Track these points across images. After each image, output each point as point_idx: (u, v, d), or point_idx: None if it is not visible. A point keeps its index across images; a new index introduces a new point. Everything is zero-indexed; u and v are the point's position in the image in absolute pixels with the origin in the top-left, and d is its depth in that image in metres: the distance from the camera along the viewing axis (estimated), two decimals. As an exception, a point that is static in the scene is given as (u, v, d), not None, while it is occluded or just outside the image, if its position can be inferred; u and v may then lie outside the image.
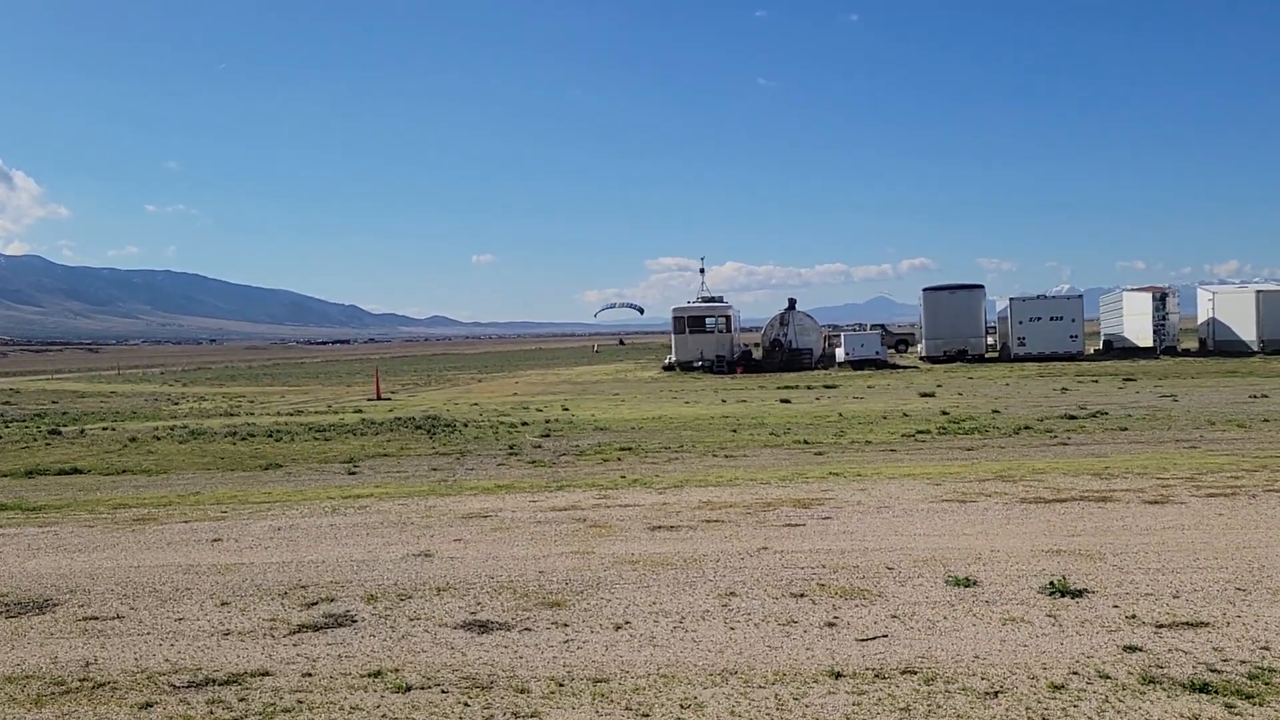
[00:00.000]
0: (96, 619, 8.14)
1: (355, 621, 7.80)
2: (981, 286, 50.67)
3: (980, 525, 10.15)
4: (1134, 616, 6.89)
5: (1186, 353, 48.47)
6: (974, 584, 7.96)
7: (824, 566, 8.75)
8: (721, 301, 53.92)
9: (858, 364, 46.90)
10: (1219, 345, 47.48)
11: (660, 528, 10.71)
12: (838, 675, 6.06)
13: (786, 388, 35.71)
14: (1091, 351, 50.04)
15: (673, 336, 51.94)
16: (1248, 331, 46.07)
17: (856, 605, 7.58)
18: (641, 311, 73.67)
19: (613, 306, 71.02)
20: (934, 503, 11.48)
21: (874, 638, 6.85)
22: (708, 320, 51.55)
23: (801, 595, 7.91)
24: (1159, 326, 48.30)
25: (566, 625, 7.43)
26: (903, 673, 6.07)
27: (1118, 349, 51.13)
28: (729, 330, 51.63)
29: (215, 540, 11.08)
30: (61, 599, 8.81)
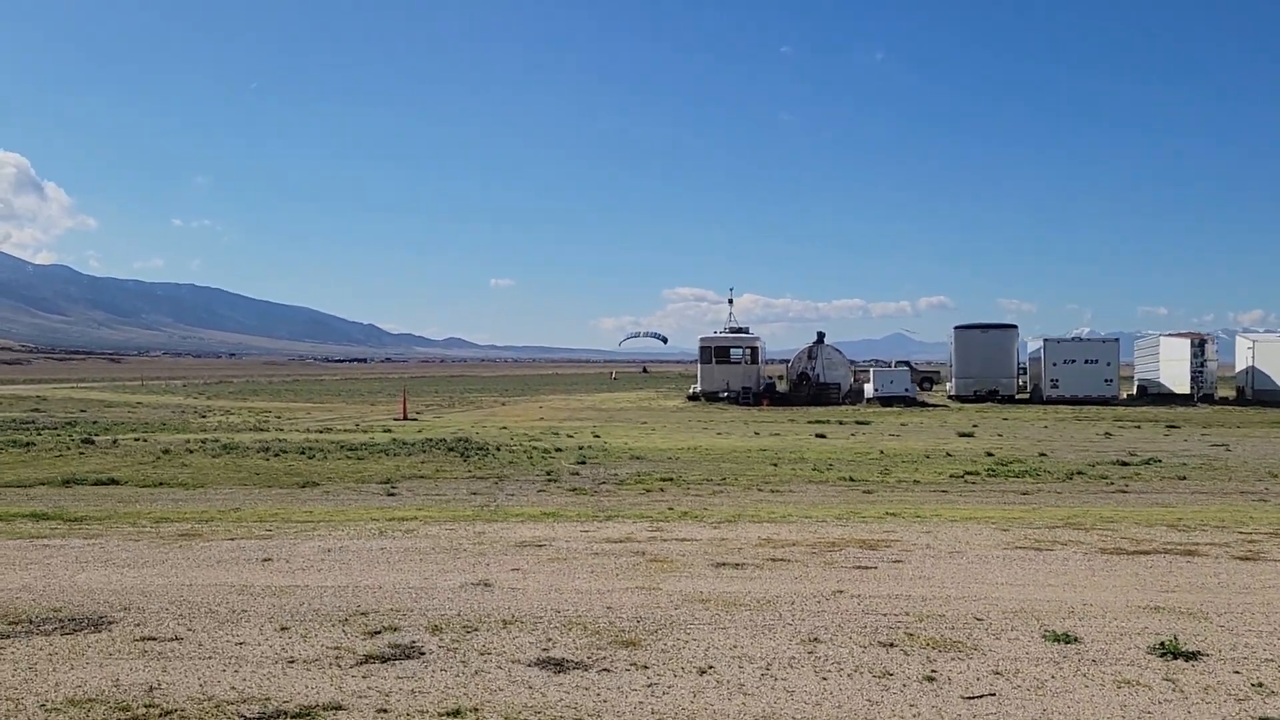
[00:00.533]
0: (155, 639, 7.84)
1: (423, 653, 7.47)
2: (1015, 326, 50.21)
3: (1065, 576, 9.76)
4: (1260, 684, 6.51)
5: (1225, 401, 47.77)
6: (1075, 640, 7.58)
7: (907, 614, 8.38)
8: (748, 332, 53.49)
9: (886, 400, 46.45)
10: (1258, 395, 46.76)
11: (725, 565, 10.36)
12: (951, 735, 5.70)
13: (818, 422, 35.29)
14: (1124, 396, 49.39)
15: (699, 366, 51.56)
16: (1289, 381, 45.38)
17: (952, 659, 7.21)
18: (665, 341, 73.40)
19: (637, 336, 70.82)
20: (1008, 549, 11.09)
21: (981, 696, 6.48)
22: (735, 351, 51.19)
23: (891, 645, 7.54)
24: (1197, 373, 47.62)
25: (647, 667, 7.09)
26: (1021, 735, 5.70)
27: (1152, 394, 50.46)
28: (755, 362, 51.25)
29: (266, 560, 10.78)
30: (116, 616, 8.52)
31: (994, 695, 6.50)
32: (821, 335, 52.30)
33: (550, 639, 7.79)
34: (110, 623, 8.34)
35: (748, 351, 50.86)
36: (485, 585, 9.53)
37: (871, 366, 50.38)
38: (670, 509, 14.71)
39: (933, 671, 6.92)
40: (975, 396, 48.64)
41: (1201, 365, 48.09)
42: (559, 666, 7.15)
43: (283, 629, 8.12)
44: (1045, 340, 48.56)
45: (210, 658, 7.38)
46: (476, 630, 8.05)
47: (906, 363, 70.63)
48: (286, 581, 9.75)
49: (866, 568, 10.17)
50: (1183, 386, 48.49)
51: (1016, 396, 49.48)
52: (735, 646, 7.55)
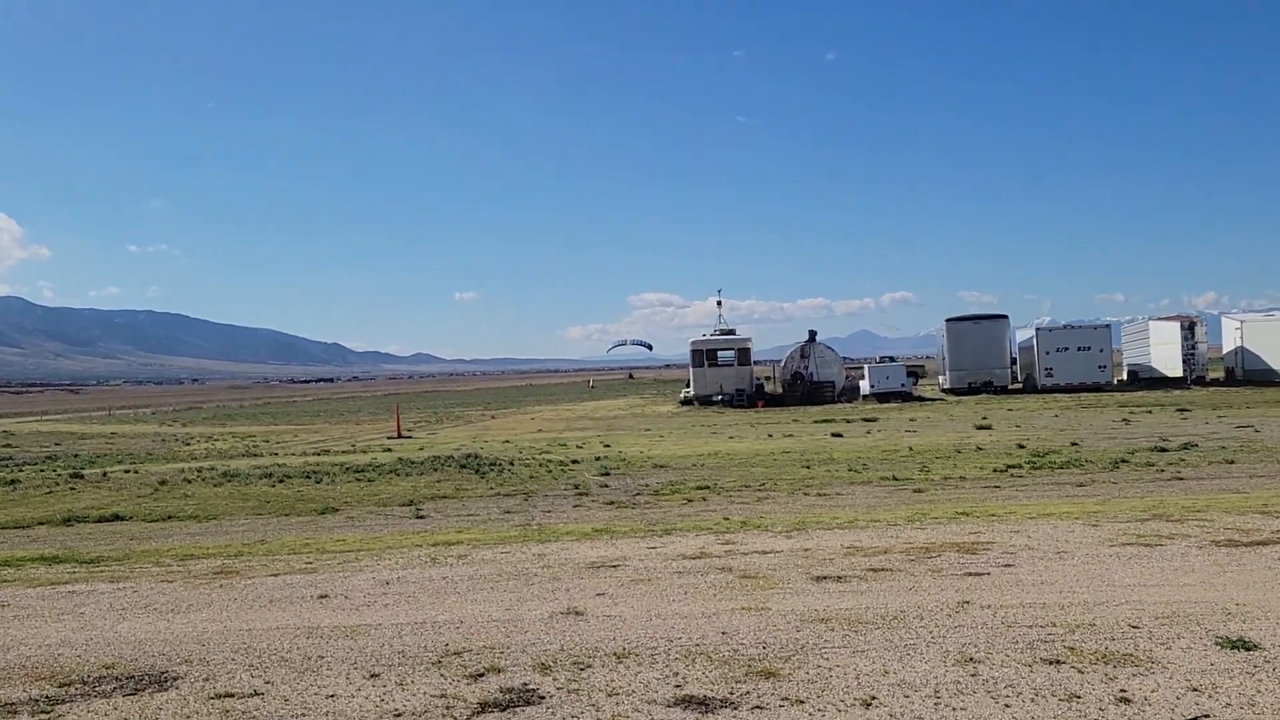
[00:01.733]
0: (232, 696, 6.99)
1: (543, 698, 6.69)
2: (1005, 316, 49.79)
3: (1196, 573, 9.08)
4: None
5: (1216, 382, 47.61)
6: (1254, 647, 6.90)
7: (1054, 625, 7.66)
8: (737, 334, 52.77)
9: (883, 397, 45.87)
10: (1248, 375, 46.64)
11: (825, 578, 9.60)
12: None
13: (825, 421, 34.64)
14: (1116, 382, 49.10)
15: (690, 370, 50.77)
16: (1278, 360, 45.20)
17: (1134, 675, 6.49)
18: (650, 348, 72.77)
19: (624, 344, 70.17)
20: (1114, 547, 10.41)
21: (1197, 719, 5.75)
22: (726, 353, 50.45)
23: (1057, 661, 6.81)
24: (1188, 356, 47.44)
25: (802, 702, 6.33)
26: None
27: (1143, 379, 50.25)
28: (747, 363, 50.55)
29: (322, 597, 9.93)
30: (179, 671, 7.66)
31: (1209, 717, 5.78)
32: (813, 334, 51.72)
33: (678, 673, 7.01)
34: (175, 679, 7.49)
35: (739, 353, 50.14)
36: (577, 614, 8.73)
37: (865, 364, 49.79)
38: (725, 519, 13.95)
39: (1123, 692, 6.20)
40: (969, 388, 48.20)
41: (1193, 348, 47.91)
42: (703, 706, 6.39)
43: (372, 676, 7.30)
44: (1038, 329, 48.21)
45: (304, 716, 6.55)
46: (590, 667, 7.25)
47: (891, 357, 70.21)
48: (354, 620, 8.91)
49: (978, 574, 9.45)
50: (1175, 370, 48.29)
51: (1009, 387, 49.05)
52: (887, 672, 6.80)
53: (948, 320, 49.45)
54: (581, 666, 7.26)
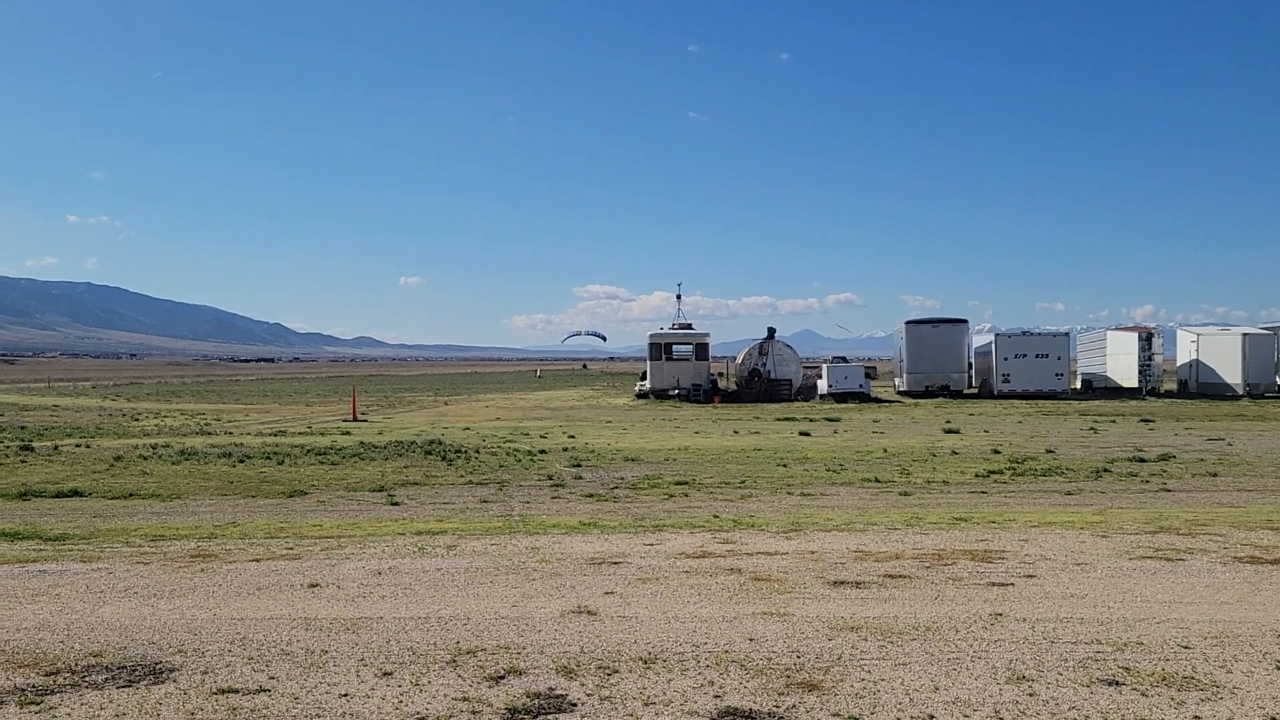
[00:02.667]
0: (236, 692, 6.52)
1: (574, 705, 6.29)
2: (965, 321, 49.87)
3: (1230, 590, 8.87)
4: None
5: (1170, 394, 48.04)
6: (1318, 670, 6.61)
7: (1099, 641, 7.37)
8: (694, 329, 52.41)
9: (840, 396, 45.75)
10: (1202, 388, 47.13)
11: (842, 583, 9.27)
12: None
13: (788, 419, 34.41)
14: (1071, 390, 49.38)
15: (648, 363, 50.30)
16: (1232, 375, 45.74)
17: (1203, 699, 6.22)
18: (604, 339, 72.48)
19: (579, 334, 69.94)
20: (1134, 560, 10.19)
21: (1283, 747, 5.45)
22: (684, 348, 50.06)
23: (1116, 683, 6.52)
24: (1144, 367, 47.81)
25: (856, 719, 5.94)
26: None
27: (1098, 388, 50.59)
28: (704, 358, 50.21)
29: (313, 586, 9.43)
30: (173, 661, 7.16)
31: (1293, 747, 5.49)
32: (772, 331, 51.40)
33: (713, 682, 6.63)
34: (171, 670, 6.99)
35: (697, 348, 49.76)
36: (589, 614, 8.31)
37: (824, 363, 49.60)
38: (715, 517, 13.60)
39: (1198, 719, 5.89)
40: (926, 391, 48.24)
41: (1149, 359, 48.28)
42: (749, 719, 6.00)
43: (385, 674, 6.85)
44: (996, 334, 48.34)
45: (319, 717, 6.08)
46: (617, 672, 6.85)
47: (843, 357, 70.28)
48: (352, 613, 8.43)
49: (1002, 584, 9.15)
50: (1130, 380, 48.64)
51: (965, 391, 49.16)
52: (938, 689, 6.47)
53: (907, 322, 49.43)
54: (608, 671, 6.86)
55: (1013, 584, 9.15)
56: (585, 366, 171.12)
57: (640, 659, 7.10)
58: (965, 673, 6.73)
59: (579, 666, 6.96)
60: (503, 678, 6.77)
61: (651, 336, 50.45)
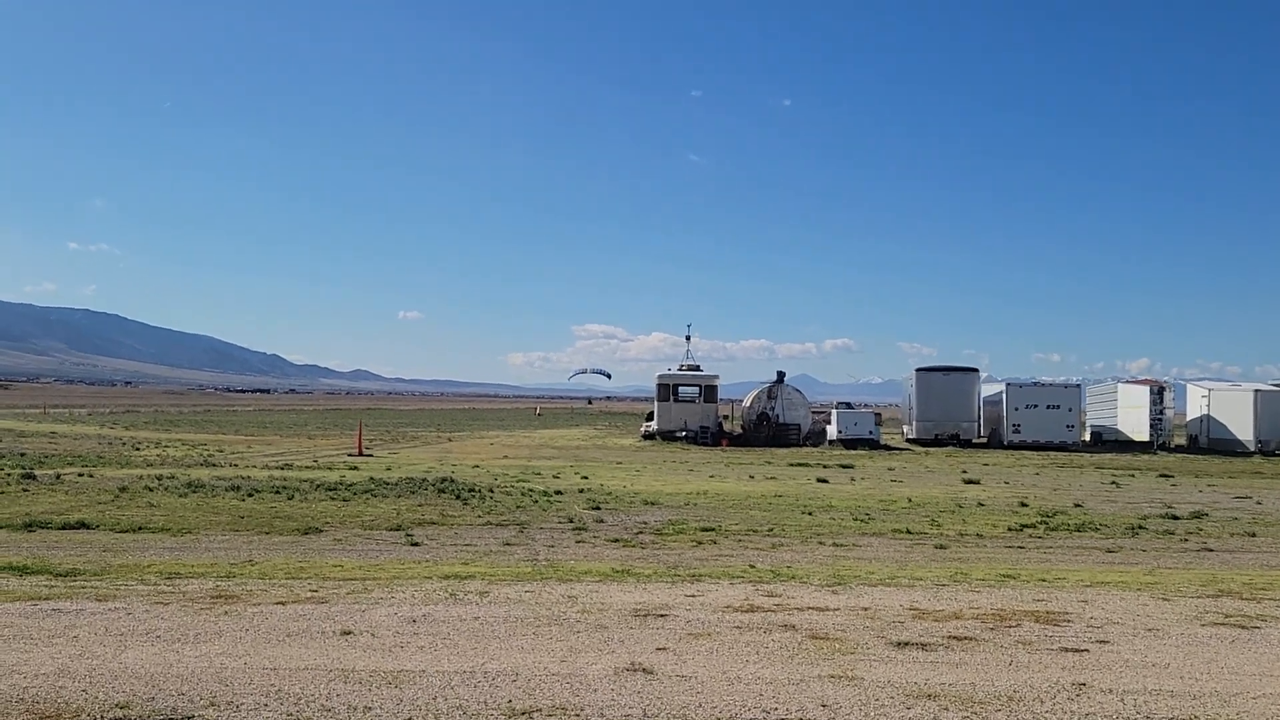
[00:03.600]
0: (279, 755, 5.98)
1: (648, 776, 5.74)
2: (976, 370, 49.49)
3: (1320, 662, 8.33)
4: None
5: (1180, 449, 47.58)
6: None
7: (1198, 718, 6.85)
8: (702, 370, 51.91)
9: (850, 443, 45.20)
10: (1212, 443, 46.66)
11: (907, 645, 8.77)
12: None
13: (800, 465, 33.90)
14: (1081, 442, 48.90)
15: (655, 404, 49.75)
16: (1244, 431, 45.28)
17: (1327, 784, 5.68)
18: (609, 377, 72.07)
19: (584, 372, 69.51)
20: (1206, 626, 9.73)
21: None
22: (693, 389, 49.56)
23: (1231, 764, 5.99)
24: (1156, 420, 47.36)
25: (958, 799, 5.44)
26: None
27: (1107, 441, 50.09)
28: (713, 400, 49.69)
29: (346, 633, 8.92)
30: (206, 716, 6.72)
31: None
32: (781, 375, 50.99)
33: (794, 754, 6.11)
34: (207, 728, 6.46)
35: (705, 390, 49.25)
36: (645, 672, 7.82)
37: (833, 408, 49.13)
38: (752, 567, 13.11)
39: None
40: (935, 440, 47.75)
41: (1160, 413, 47.86)
42: (844, 798, 5.49)
43: (439, 737, 6.32)
44: (1008, 384, 47.88)
45: (372, 784, 5.57)
46: (688, 739, 6.33)
47: (847, 404, 69.78)
48: (392, 665, 7.92)
49: (1076, 650, 8.65)
50: (1141, 434, 48.16)
51: (974, 441, 48.69)
52: (1039, 766, 5.94)
53: (918, 370, 49.03)
54: (678, 738, 6.34)
55: (1087, 650, 8.65)
56: (590, 402, 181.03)
57: (710, 725, 6.60)
58: (1064, 750, 6.23)
59: (646, 733, 6.46)
60: (567, 744, 6.27)
61: (659, 377, 49.95)
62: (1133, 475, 31.75)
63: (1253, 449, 44.73)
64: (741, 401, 54.38)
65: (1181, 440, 50.16)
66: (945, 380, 48.55)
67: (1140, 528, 17.82)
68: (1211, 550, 15.59)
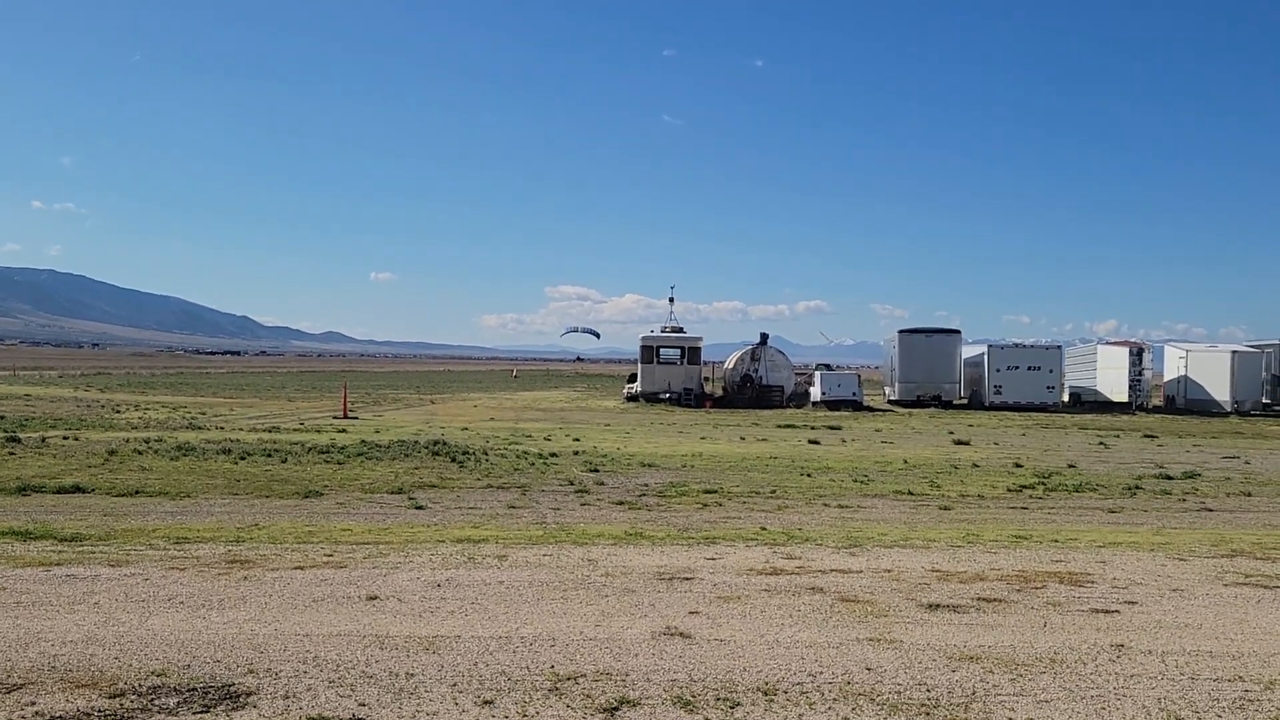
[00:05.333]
0: (329, 721, 5.89)
1: (708, 743, 5.69)
2: (958, 332, 49.68)
3: (1353, 624, 8.36)
4: None
5: (1157, 409, 48.00)
6: None
7: (1242, 679, 6.94)
8: (686, 332, 51.79)
9: (833, 404, 45.33)
10: (1189, 404, 47.08)
11: (939, 607, 8.76)
12: None
13: (787, 426, 33.93)
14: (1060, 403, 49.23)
15: (639, 366, 49.65)
16: (1221, 391, 45.70)
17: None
18: (598, 336, 72.47)
19: (575, 331, 70.00)
20: (1229, 586, 9.78)
21: None
22: (675, 351, 49.47)
23: (1286, 726, 6.00)
24: (1135, 382, 47.70)
25: (1025, 763, 5.42)
26: None
27: (1086, 402, 50.42)
28: (696, 362, 49.64)
29: (372, 598, 8.83)
30: (248, 684, 6.56)
31: None
32: (765, 336, 50.97)
33: (848, 719, 6.07)
34: (247, 694, 6.39)
35: (689, 352, 49.17)
36: (682, 636, 7.76)
37: (817, 370, 49.15)
38: (764, 529, 13.06)
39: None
40: (918, 401, 47.98)
41: (1139, 374, 48.20)
42: (909, 763, 5.46)
43: (486, 703, 6.29)
44: (989, 346, 48.07)
45: (431, 753, 5.49)
46: (740, 704, 6.32)
47: (826, 365, 69.95)
48: (427, 630, 7.83)
49: (1107, 611, 8.66)
50: (1121, 395, 48.49)
51: (955, 402, 48.92)
52: (1097, 730, 5.93)
53: (900, 332, 49.16)
54: (729, 704, 6.32)
55: (1118, 611, 8.66)
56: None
57: (759, 689, 6.56)
58: (1116, 713, 6.23)
59: (695, 698, 6.41)
60: (617, 709, 6.22)
61: (643, 339, 49.83)
62: (1118, 436, 31.96)
63: (1229, 409, 45.18)
64: (723, 364, 54.33)
65: (1159, 401, 50.58)
66: (928, 342, 48.70)
67: (1137, 488, 17.91)
68: (1211, 510, 15.68)
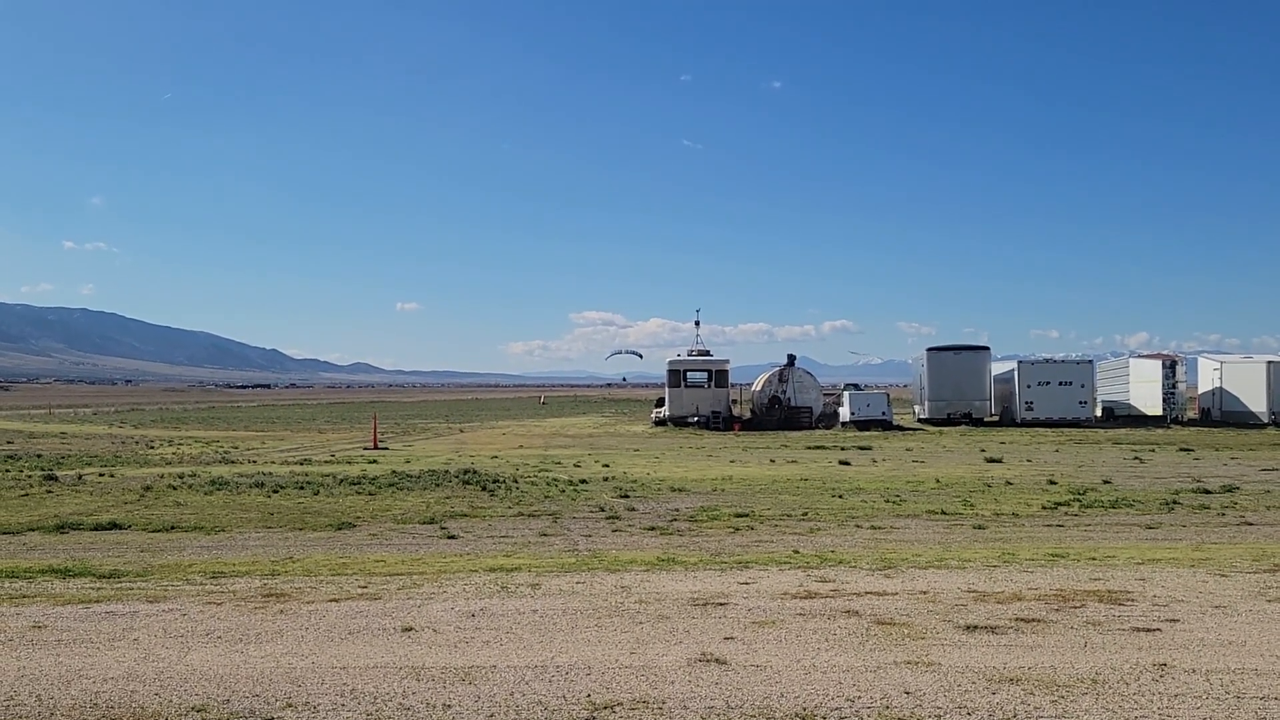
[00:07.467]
0: (369, 756, 5.88)
1: (748, 771, 5.65)
2: (987, 348, 49.36)
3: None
4: None
5: (1193, 422, 47.49)
6: None
7: (1291, 696, 6.75)
8: (712, 355, 51.72)
9: (863, 424, 45.10)
10: (1225, 416, 46.55)
11: (976, 628, 8.68)
12: None
13: (818, 448, 33.81)
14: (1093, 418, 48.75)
15: (666, 390, 49.61)
16: (1257, 403, 45.16)
17: None
18: (640, 356, 73.40)
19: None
20: (1272, 603, 9.66)
21: None
22: (702, 374, 49.42)
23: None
24: (1169, 395, 47.19)
25: (1067, 786, 5.34)
26: None
27: (1119, 416, 49.93)
28: (724, 385, 49.56)
29: (407, 630, 8.83)
30: (286, 717, 6.68)
31: None
32: (792, 358, 50.83)
33: (889, 743, 6.01)
34: (290, 730, 6.37)
35: (716, 375, 49.11)
36: (718, 663, 7.73)
37: (845, 390, 48.98)
38: (797, 553, 13.00)
39: None
40: (948, 419, 47.67)
41: (1173, 387, 47.70)
42: (951, 788, 5.40)
43: (527, 736, 6.23)
44: (1020, 362, 47.74)
45: (469, 785, 5.48)
46: (780, 732, 6.24)
47: (855, 385, 69.66)
48: (461, 661, 7.83)
49: (1148, 630, 8.57)
50: (1155, 408, 47.96)
51: (986, 419, 48.60)
52: (1141, 750, 5.85)
53: (929, 350, 48.93)
54: (770, 731, 6.25)
55: (1159, 630, 8.56)
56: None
57: (797, 716, 6.53)
58: (1164, 734, 6.13)
59: (735, 726, 6.37)
60: (657, 740, 6.17)
61: (670, 363, 49.82)
62: (1153, 450, 31.67)
63: (1266, 420, 44.62)
64: (750, 386, 54.23)
65: (1194, 414, 50.05)
66: (957, 359, 48.44)
67: (1175, 503, 17.73)
68: (1251, 524, 15.50)
